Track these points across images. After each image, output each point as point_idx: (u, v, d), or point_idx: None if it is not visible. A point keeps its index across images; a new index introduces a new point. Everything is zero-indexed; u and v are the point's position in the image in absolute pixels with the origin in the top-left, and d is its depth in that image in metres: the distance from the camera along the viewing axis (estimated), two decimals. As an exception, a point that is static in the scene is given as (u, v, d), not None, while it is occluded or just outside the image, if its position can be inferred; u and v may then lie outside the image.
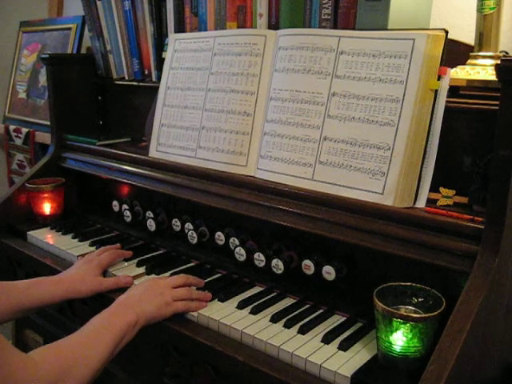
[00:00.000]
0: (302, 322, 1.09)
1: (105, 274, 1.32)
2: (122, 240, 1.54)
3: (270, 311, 1.14)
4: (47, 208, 1.69)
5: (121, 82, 1.83)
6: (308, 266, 1.19)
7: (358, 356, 0.98)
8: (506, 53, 1.15)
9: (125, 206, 1.62)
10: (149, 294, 1.12)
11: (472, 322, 0.85)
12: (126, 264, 1.38)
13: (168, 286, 1.16)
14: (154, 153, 1.54)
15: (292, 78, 1.25)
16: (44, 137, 2.16)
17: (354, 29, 1.23)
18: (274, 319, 1.10)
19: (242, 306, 1.15)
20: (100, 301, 1.23)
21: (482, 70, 1.08)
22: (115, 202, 1.65)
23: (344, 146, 1.15)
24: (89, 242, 1.52)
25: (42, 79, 2.29)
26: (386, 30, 1.17)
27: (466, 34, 1.25)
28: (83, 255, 1.40)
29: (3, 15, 2.52)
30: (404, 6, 1.20)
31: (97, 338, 0.98)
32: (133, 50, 1.76)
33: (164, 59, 1.58)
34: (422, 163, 1.09)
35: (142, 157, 1.55)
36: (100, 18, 1.83)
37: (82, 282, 1.21)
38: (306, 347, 1.00)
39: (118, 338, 1.00)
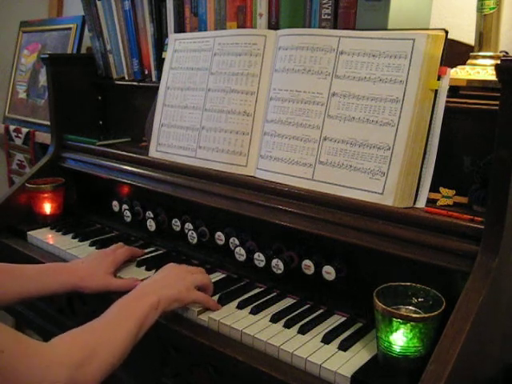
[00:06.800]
0: (302, 322, 1.09)
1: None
2: (122, 240, 1.54)
3: (270, 311, 1.13)
4: (47, 208, 1.69)
5: (121, 82, 1.83)
6: (308, 266, 1.19)
7: (358, 356, 0.98)
8: (506, 53, 1.15)
9: (125, 206, 1.61)
10: (170, 278, 1.13)
11: (472, 322, 0.85)
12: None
13: (189, 271, 1.18)
14: (154, 153, 1.54)
15: (292, 78, 1.25)
16: (44, 137, 2.16)
17: (354, 29, 1.23)
18: (274, 319, 1.10)
19: (242, 305, 1.15)
20: (101, 301, 1.23)
21: (482, 69, 1.08)
22: (115, 202, 1.65)
23: (344, 146, 1.15)
24: (89, 241, 1.52)
25: (42, 79, 2.29)
26: (386, 30, 1.17)
27: (466, 34, 1.25)
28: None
29: (3, 15, 2.52)
30: (404, 5, 1.20)
31: (119, 321, 0.98)
32: (133, 50, 1.76)
33: (164, 59, 1.57)
34: (422, 163, 1.09)
35: (142, 157, 1.55)
36: (100, 18, 1.83)
37: (92, 277, 1.21)
38: (306, 347, 1.00)
39: (140, 320, 0.99)
